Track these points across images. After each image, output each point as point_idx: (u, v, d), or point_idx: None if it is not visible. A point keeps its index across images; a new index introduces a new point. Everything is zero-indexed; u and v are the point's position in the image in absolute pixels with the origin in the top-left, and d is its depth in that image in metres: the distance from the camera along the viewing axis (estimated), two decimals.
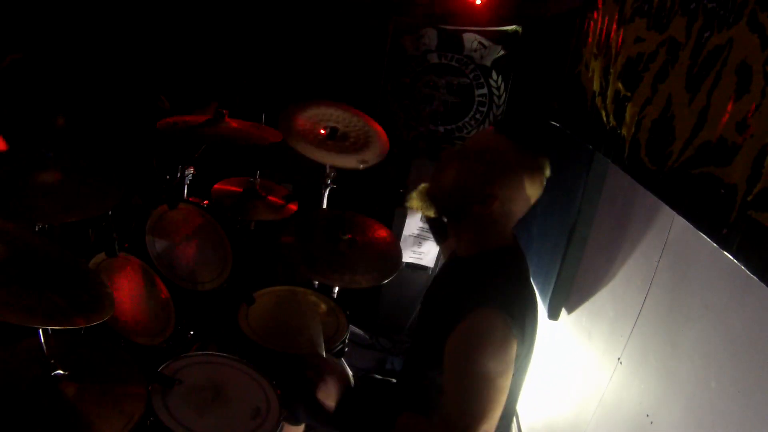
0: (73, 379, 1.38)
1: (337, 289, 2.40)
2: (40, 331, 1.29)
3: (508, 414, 1.43)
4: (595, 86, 1.84)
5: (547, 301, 2.22)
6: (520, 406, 2.46)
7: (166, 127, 2.08)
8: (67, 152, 1.82)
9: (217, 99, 3.09)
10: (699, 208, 1.16)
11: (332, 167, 2.42)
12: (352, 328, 2.20)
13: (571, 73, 2.15)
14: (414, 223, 3.16)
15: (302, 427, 1.94)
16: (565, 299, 2.21)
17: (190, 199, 2.47)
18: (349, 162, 2.32)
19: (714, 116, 1.13)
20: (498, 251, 1.37)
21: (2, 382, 1.34)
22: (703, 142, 1.16)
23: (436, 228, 1.97)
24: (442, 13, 3.18)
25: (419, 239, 3.19)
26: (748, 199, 0.99)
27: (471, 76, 3.17)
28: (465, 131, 3.29)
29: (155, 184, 2.53)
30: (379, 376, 1.85)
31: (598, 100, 1.79)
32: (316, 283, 2.37)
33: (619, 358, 1.71)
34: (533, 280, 1.71)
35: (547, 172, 1.37)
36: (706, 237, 1.12)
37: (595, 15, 1.94)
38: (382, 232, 2.34)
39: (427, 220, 2.03)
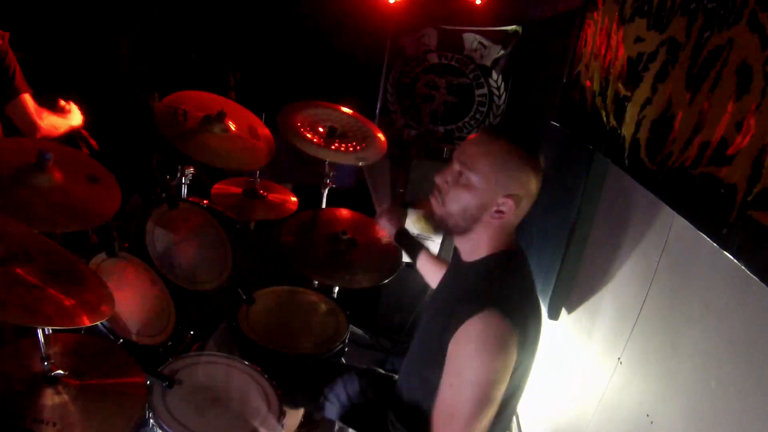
0: (73, 379, 1.38)
1: (337, 289, 2.40)
2: (40, 331, 1.29)
3: (508, 417, 1.43)
4: (595, 86, 1.84)
5: (547, 301, 2.22)
6: (520, 406, 2.46)
7: (167, 119, 2.08)
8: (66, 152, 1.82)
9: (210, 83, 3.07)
10: (699, 208, 1.16)
11: (331, 166, 2.42)
12: (352, 328, 2.20)
13: (571, 73, 2.15)
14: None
15: (301, 411, 1.94)
16: (565, 299, 2.21)
17: (190, 199, 2.47)
18: (348, 159, 2.32)
19: (714, 116, 1.13)
20: (502, 254, 1.37)
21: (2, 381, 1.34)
22: (703, 142, 1.16)
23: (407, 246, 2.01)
24: (442, 13, 3.18)
25: (419, 239, 3.18)
26: (748, 198, 0.99)
27: (471, 76, 3.17)
28: (465, 131, 3.29)
29: (155, 184, 2.53)
30: (382, 371, 1.86)
31: (598, 100, 1.79)
32: (316, 283, 2.37)
33: (619, 358, 1.71)
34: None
35: (542, 163, 1.36)
36: (706, 237, 1.12)
37: (595, 15, 1.94)
38: (382, 232, 2.34)
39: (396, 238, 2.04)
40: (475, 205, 1.32)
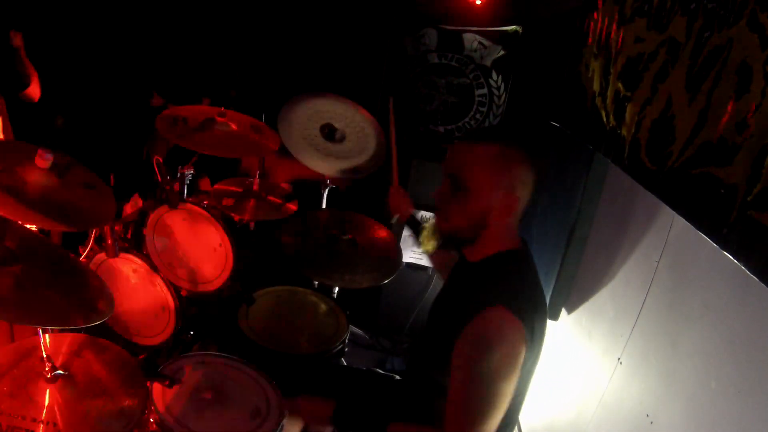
0: (73, 379, 1.38)
1: (337, 289, 2.40)
2: (40, 331, 1.29)
3: (512, 421, 1.43)
4: (595, 86, 1.84)
5: (547, 301, 2.22)
6: None
7: (167, 124, 2.08)
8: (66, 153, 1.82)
9: (210, 95, 3.07)
10: (699, 208, 1.16)
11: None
12: (352, 328, 2.20)
13: (571, 73, 2.15)
14: None
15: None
16: (565, 299, 2.21)
17: (190, 199, 2.46)
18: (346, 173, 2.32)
19: (714, 116, 1.13)
20: (508, 253, 1.38)
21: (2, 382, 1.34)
22: (703, 142, 1.16)
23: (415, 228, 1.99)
24: (442, 13, 3.18)
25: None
26: (748, 199, 0.99)
27: (471, 76, 3.17)
28: (465, 131, 3.28)
29: (155, 184, 2.53)
30: (382, 371, 1.85)
31: (598, 100, 1.79)
32: (316, 283, 2.37)
33: (619, 358, 1.71)
34: None
35: (527, 153, 1.36)
36: (706, 237, 1.12)
37: (595, 15, 1.94)
38: (382, 232, 2.34)
39: (407, 223, 2.03)
40: (478, 210, 1.33)
